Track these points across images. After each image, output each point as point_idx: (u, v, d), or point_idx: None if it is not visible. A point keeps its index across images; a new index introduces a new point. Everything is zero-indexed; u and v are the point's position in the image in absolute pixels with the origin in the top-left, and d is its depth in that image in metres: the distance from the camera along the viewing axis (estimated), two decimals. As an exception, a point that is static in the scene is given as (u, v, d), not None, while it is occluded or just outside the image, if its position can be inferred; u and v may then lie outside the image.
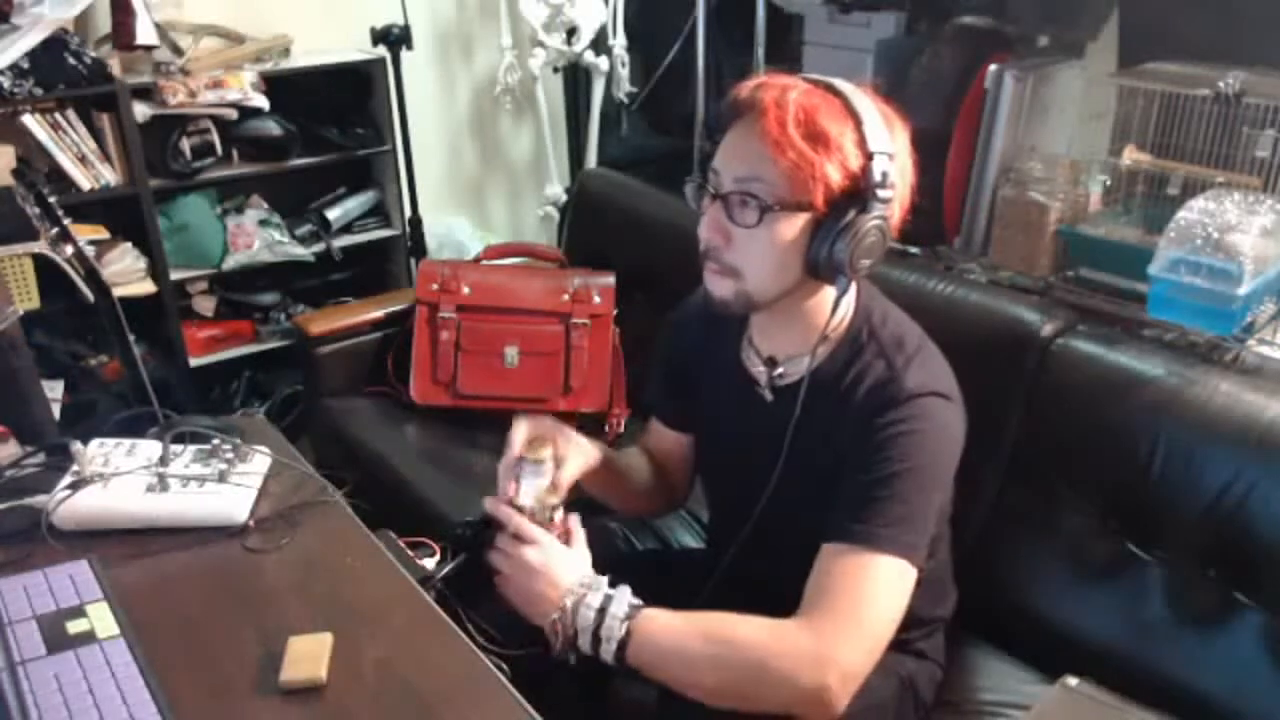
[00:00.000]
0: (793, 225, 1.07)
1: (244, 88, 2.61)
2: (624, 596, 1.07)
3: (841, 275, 1.08)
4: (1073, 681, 1.24)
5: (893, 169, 1.06)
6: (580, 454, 1.23)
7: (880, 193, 1.06)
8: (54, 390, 2.46)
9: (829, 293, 1.13)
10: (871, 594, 1.05)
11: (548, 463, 1.15)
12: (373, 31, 2.77)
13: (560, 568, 1.09)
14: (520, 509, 1.13)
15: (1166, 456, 1.33)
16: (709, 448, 1.36)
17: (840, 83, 1.09)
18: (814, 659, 1.02)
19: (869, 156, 1.05)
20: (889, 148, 1.06)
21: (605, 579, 1.10)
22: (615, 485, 1.36)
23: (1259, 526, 1.25)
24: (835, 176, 1.05)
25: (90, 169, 2.50)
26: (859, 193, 1.06)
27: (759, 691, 1.03)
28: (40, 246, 2.18)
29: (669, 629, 1.05)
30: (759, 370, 1.22)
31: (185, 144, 2.62)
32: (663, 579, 1.18)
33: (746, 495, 1.20)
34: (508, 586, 1.11)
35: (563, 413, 1.43)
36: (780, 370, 1.20)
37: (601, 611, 1.05)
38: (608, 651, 1.05)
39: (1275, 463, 1.26)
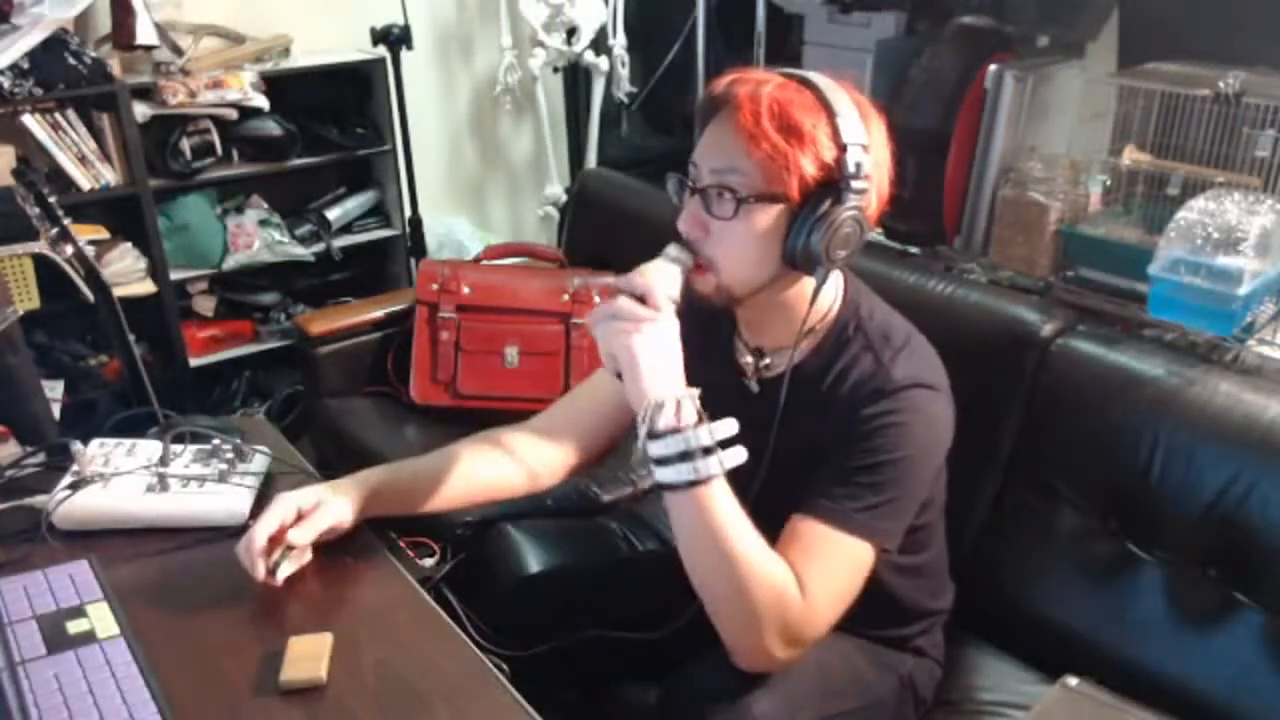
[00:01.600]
0: (768, 216, 1.08)
1: (244, 88, 2.61)
2: (732, 457, 1.01)
3: (819, 266, 1.09)
4: (1073, 681, 1.24)
5: (867, 160, 1.07)
6: (332, 506, 1.14)
7: (854, 184, 1.06)
8: (54, 390, 2.46)
9: (809, 284, 1.14)
10: (851, 582, 1.08)
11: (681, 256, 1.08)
12: (373, 31, 2.77)
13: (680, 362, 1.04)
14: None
15: (1166, 456, 1.33)
16: None
17: (815, 76, 1.10)
18: (794, 638, 1.03)
19: (843, 148, 1.05)
20: (863, 139, 1.07)
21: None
22: (424, 494, 1.25)
23: (1259, 526, 1.25)
24: (809, 168, 1.05)
25: (90, 169, 2.50)
26: (833, 184, 1.06)
27: (733, 620, 1.03)
28: (40, 246, 2.19)
29: (726, 513, 1.01)
30: (746, 360, 1.23)
31: (185, 144, 2.62)
32: (662, 579, 1.18)
33: (735, 484, 1.20)
34: (628, 341, 1.01)
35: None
36: (767, 361, 1.21)
37: (708, 451, 0.99)
38: (667, 476, 1.00)
39: (1275, 463, 1.26)
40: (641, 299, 1.04)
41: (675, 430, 0.99)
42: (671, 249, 1.09)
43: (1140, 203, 1.85)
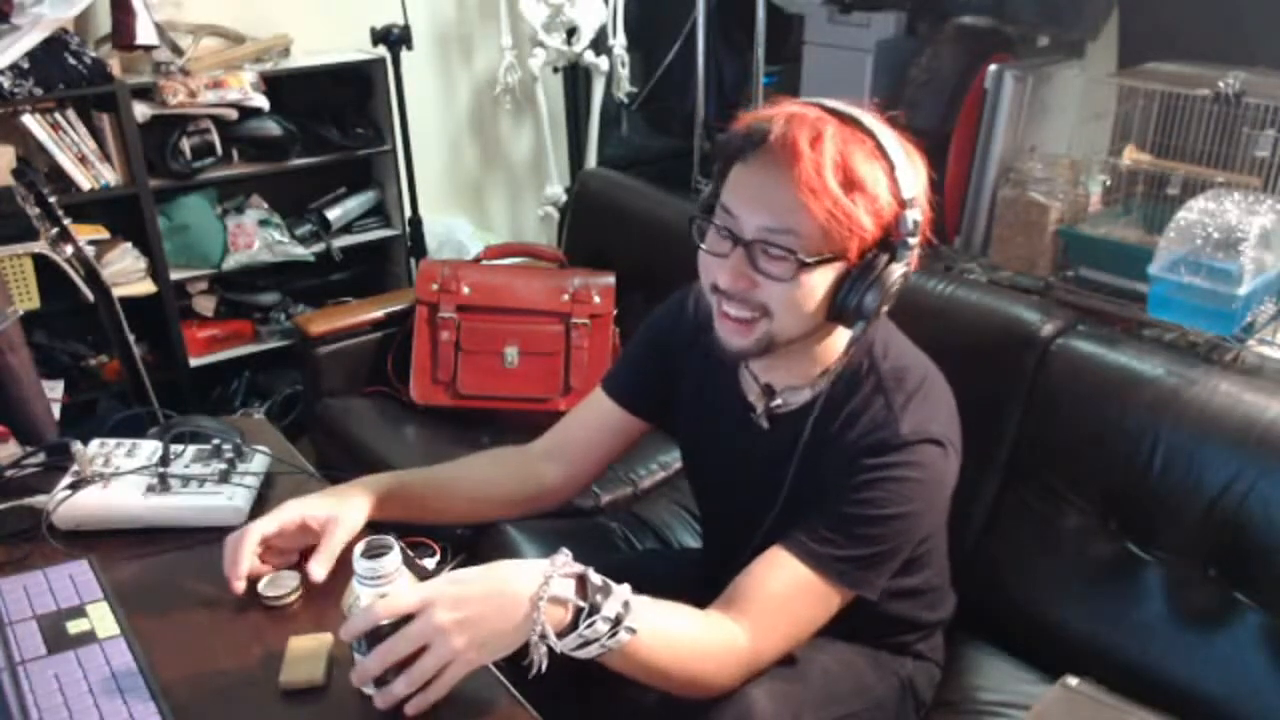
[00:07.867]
0: (824, 277, 1.04)
1: (244, 88, 2.61)
2: (636, 614, 0.95)
3: (862, 320, 1.06)
4: (1073, 681, 1.24)
5: (921, 216, 1.04)
6: (346, 522, 1.12)
7: (910, 240, 1.03)
8: (54, 390, 2.46)
9: (842, 333, 1.11)
10: (811, 620, 1.07)
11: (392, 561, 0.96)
12: (373, 31, 2.77)
13: (506, 574, 0.94)
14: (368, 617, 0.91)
15: (1166, 456, 1.33)
16: (701, 466, 1.35)
17: (864, 116, 1.04)
18: (743, 675, 1.04)
19: (903, 204, 1.02)
20: (918, 192, 1.04)
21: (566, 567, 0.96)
22: (430, 504, 1.25)
23: (1259, 526, 1.25)
24: (869, 226, 1.01)
25: (90, 169, 2.50)
26: (889, 241, 1.03)
27: (683, 690, 1.03)
28: (40, 246, 2.19)
29: (650, 647, 0.97)
30: (755, 397, 1.20)
31: (185, 144, 2.62)
32: (663, 579, 1.17)
33: (737, 516, 1.20)
34: (458, 654, 0.89)
35: (564, 412, 1.45)
36: (778, 401, 1.17)
37: (616, 621, 0.94)
38: (582, 654, 0.95)
39: (1275, 463, 1.26)
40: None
41: (565, 633, 0.92)
42: (361, 565, 0.94)
43: (1140, 203, 1.86)
